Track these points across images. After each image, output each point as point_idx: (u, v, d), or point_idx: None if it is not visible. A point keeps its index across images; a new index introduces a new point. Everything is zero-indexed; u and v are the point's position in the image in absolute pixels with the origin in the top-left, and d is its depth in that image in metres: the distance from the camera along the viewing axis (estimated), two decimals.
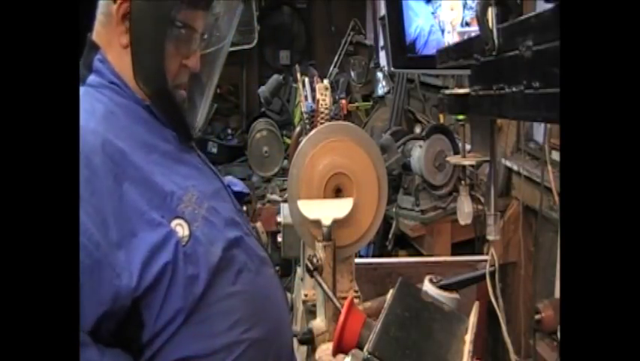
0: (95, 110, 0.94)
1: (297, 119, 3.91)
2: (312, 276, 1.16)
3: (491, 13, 0.65)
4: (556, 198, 1.94)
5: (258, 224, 1.42)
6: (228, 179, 1.27)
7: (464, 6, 1.18)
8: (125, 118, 0.97)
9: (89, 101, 0.94)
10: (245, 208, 1.29)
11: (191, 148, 1.08)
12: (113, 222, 0.87)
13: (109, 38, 0.99)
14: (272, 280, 1.10)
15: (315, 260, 1.15)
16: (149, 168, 0.94)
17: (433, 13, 1.21)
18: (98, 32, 1.01)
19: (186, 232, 0.93)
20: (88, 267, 0.83)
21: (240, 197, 1.20)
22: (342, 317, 0.88)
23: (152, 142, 0.98)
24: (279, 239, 1.73)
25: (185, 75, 1.04)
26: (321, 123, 1.33)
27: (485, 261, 0.98)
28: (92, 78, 0.98)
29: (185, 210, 0.94)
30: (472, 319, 0.88)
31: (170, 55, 0.99)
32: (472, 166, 2.34)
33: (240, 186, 1.30)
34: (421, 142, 2.51)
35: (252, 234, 1.10)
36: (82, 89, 0.96)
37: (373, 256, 2.56)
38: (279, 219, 1.67)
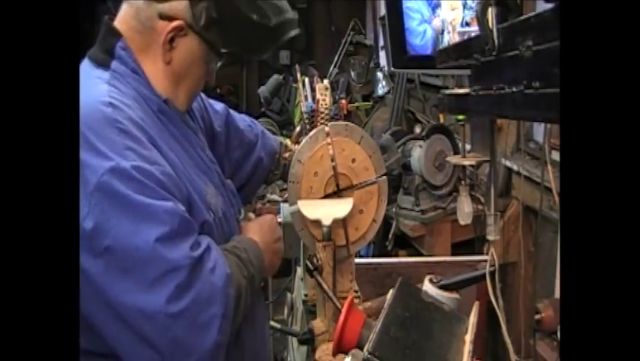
0: (125, 94, 0.99)
1: (297, 119, 3.91)
2: (312, 276, 1.16)
3: (491, 13, 0.65)
4: (557, 198, 1.94)
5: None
6: (228, 182, 1.29)
7: (464, 6, 1.18)
8: (149, 108, 1.03)
9: (119, 85, 1.00)
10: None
11: (203, 147, 1.16)
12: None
13: (146, 42, 1.04)
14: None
15: (315, 260, 1.15)
16: (174, 156, 1.01)
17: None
18: (125, 25, 1.05)
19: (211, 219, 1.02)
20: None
21: None
22: (342, 317, 0.88)
23: (173, 133, 1.05)
24: None
25: None
26: (321, 123, 1.33)
27: (485, 261, 0.98)
28: (115, 65, 1.03)
29: (210, 202, 1.04)
30: (472, 319, 0.89)
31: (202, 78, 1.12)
32: (472, 166, 2.34)
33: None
34: (421, 142, 2.50)
35: None
36: (107, 73, 1.02)
37: (373, 256, 2.56)
38: (279, 219, 1.67)
